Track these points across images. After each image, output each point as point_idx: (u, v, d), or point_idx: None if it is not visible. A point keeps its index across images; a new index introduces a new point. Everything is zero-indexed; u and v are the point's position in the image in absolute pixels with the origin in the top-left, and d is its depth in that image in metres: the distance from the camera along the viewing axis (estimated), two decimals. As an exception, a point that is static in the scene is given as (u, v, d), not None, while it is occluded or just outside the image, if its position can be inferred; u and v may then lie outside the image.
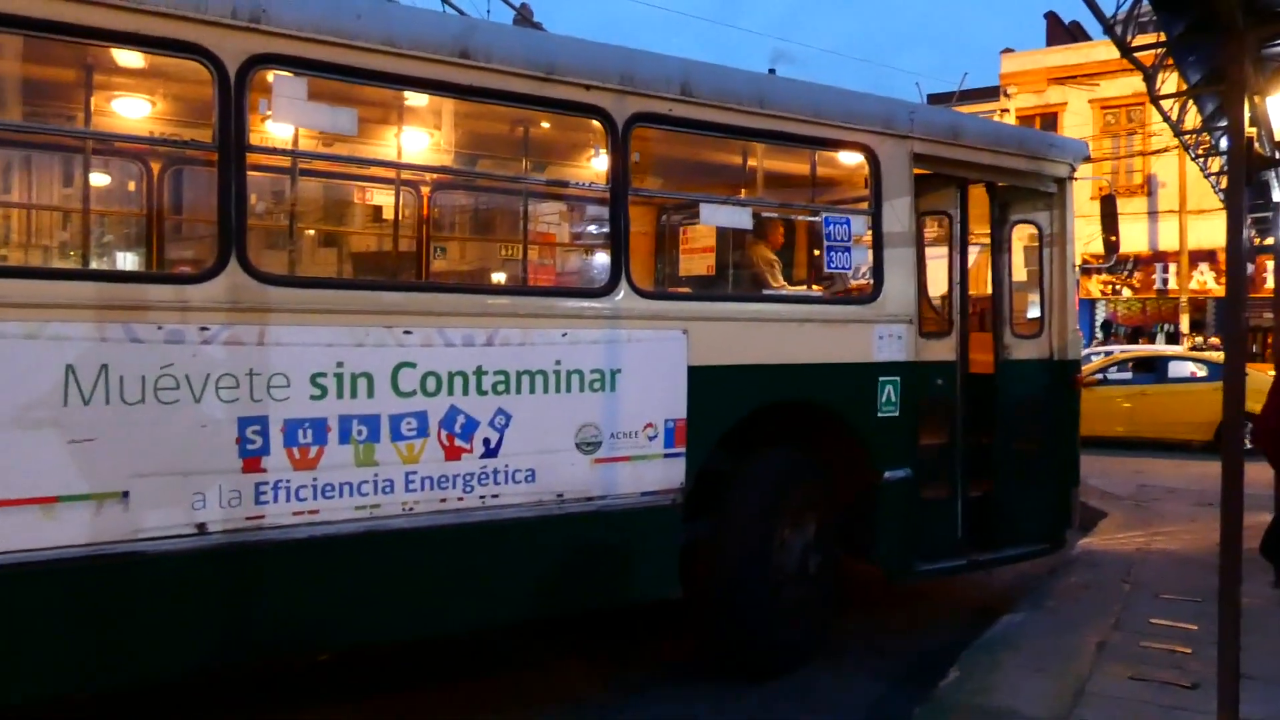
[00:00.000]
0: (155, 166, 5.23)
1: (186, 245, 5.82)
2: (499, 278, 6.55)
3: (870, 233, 5.19)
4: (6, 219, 6.00)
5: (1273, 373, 7.43)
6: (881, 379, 5.19)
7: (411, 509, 3.80)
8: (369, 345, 3.73)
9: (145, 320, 3.33)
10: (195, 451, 3.40)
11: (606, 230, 4.50)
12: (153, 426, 3.32)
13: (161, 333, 3.35)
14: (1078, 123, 24.80)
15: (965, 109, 17.29)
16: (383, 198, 6.08)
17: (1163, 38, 4.81)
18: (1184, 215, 24.07)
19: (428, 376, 3.85)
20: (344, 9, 3.74)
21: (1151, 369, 15.43)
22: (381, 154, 5.29)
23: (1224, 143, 7.94)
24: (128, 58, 3.93)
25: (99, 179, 5.31)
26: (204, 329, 3.42)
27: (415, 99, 4.51)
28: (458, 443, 3.91)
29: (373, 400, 3.72)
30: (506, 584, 4.09)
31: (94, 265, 5.14)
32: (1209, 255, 23.80)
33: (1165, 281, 24.71)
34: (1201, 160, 12.19)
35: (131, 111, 4.63)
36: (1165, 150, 21.54)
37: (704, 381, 4.53)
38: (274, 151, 4.23)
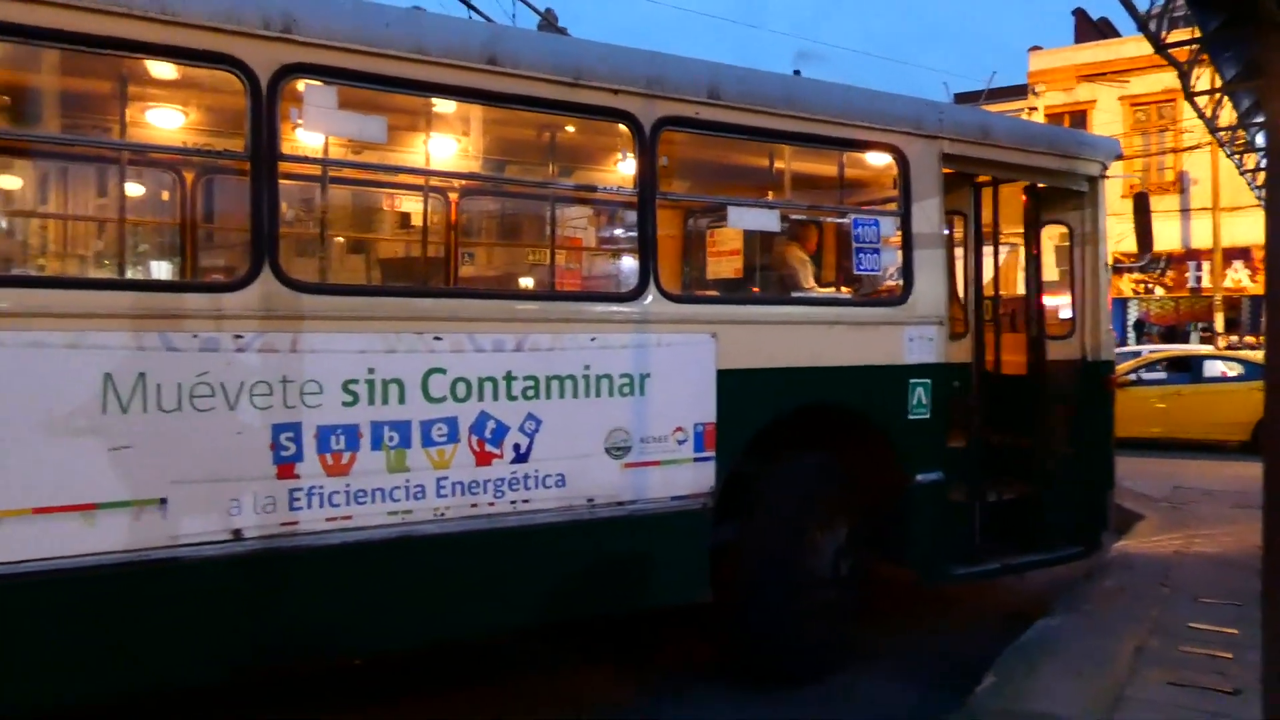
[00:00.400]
0: (189, 176, 5.29)
1: (220, 254, 5.89)
2: (527, 283, 6.57)
3: (899, 234, 5.15)
4: (45, 229, 6.09)
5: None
6: (912, 381, 5.15)
7: (443, 514, 3.82)
8: (400, 351, 3.75)
9: (181, 329, 3.37)
10: (230, 458, 3.44)
11: (634, 234, 4.49)
12: (189, 434, 3.36)
13: (197, 341, 3.38)
14: (1107, 120, 24.53)
15: (993, 108, 17.15)
16: (411, 204, 6.11)
17: (1197, 33, 4.74)
18: (1217, 212, 23.73)
19: (458, 382, 3.87)
20: (373, 18, 3.77)
21: (1186, 369, 15.22)
22: (410, 161, 5.32)
23: (1260, 139, 7.81)
24: (162, 69, 3.98)
25: (134, 189, 5.38)
26: (238, 337, 3.45)
27: (444, 106, 4.53)
28: (488, 448, 3.92)
29: (404, 406, 3.74)
30: (537, 588, 4.10)
31: (130, 275, 5.21)
32: (1243, 253, 23.45)
33: (1199, 280, 24.37)
34: (1237, 157, 12.01)
35: (165, 122, 4.69)
36: (1198, 147, 21.28)
37: (733, 385, 4.51)
38: (305, 160, 4.25)
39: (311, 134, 3.99)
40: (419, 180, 5.71)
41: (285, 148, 3.76)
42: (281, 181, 3.65)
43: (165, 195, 5.46)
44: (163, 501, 3.32)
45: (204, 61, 3.56)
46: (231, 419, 3.43)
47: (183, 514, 3.35)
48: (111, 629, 3.29)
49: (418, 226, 5.99)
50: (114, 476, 3.25)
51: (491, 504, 3.92)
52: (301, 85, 3.70)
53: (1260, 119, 6.24)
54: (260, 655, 3.60)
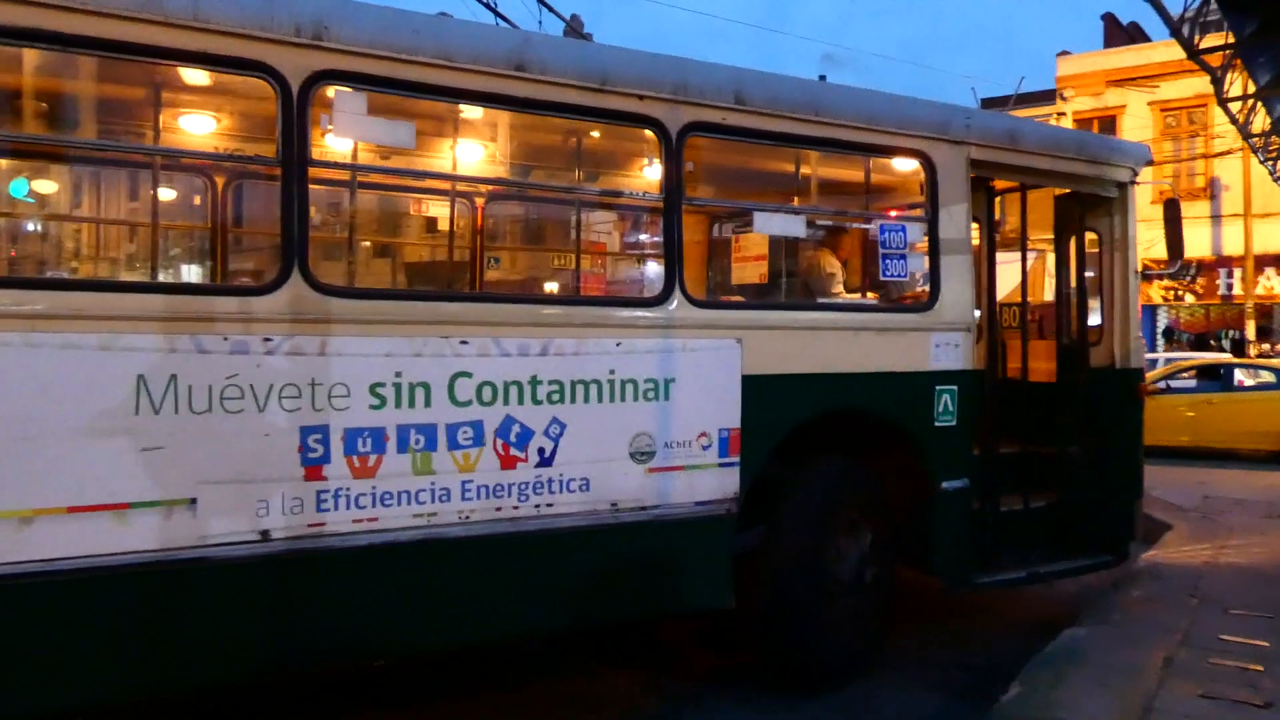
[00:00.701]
0: (220, 181, 5.36)
1: (249, 258, 5.96)
2: (553, 288, 6.59)
3: (926, 240, 5.13)
4: (80, 233, 6.19)
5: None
6: (939, 388, 5.12)
7: (468, 517, 3.84)
8: (426, 355, 3.78)
9: (212, 331, 3.41)
10: (259, 460, 3.47)
11: (660, 240, 4.49)
12: (219, 435, 3.40)
13: (227, 344, 3.43)
14: (1137, 125, 24.27)
15: (1021, 113, 17.01)
16: (438, 209, 6.16)
17: (1231, 38, 4.68)
18: (1249, 219, 23.39)
19: (483, 386, 3.89)
20: (402, 25, 3.80)
21: (1217, 376, 15.03)
22: (437, 166, 5.35)
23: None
24: (195, 76, 4.04)
25: (167, 194, 5.46)
26: (267, 339, 3.49)
27: (471, 112, 4.56)
28: (513, 452, 3.94)
29: (430, 410, 3.76)
30: (561, 592, 4.11)
31: (162, 278, 5.28)
32: (1275, 260, 23.13)
33: (1230, 287, 24.04)
34: (1270, 163, 11.85)
35: (198, 128, 4.76)
36: (1229, 153, 21.00)
37: (758, 391, 4.50)
38: (335, 165, 4.30)
39: (341, 140, 4.03)
40: (446, 185, 5.76)
41: (315, 153, 3.79)
42: (311, 186, 3.69)
43: (197, 200, 5.53)
44: (193, 502, 3.36)
45: (236, 68, 3.60)
46: (260, 421, 3.46)
47: (212, 514, 3.39)
48: (142, 627, 3.33)
49: (444, 231, 6.04)
50: (145, 477, 3.29)
51: (516, 507, 3.94)
52: (331, 91, 3.74)
53: (1294, 125, 6.17)
54: (286, 655, 3.63)
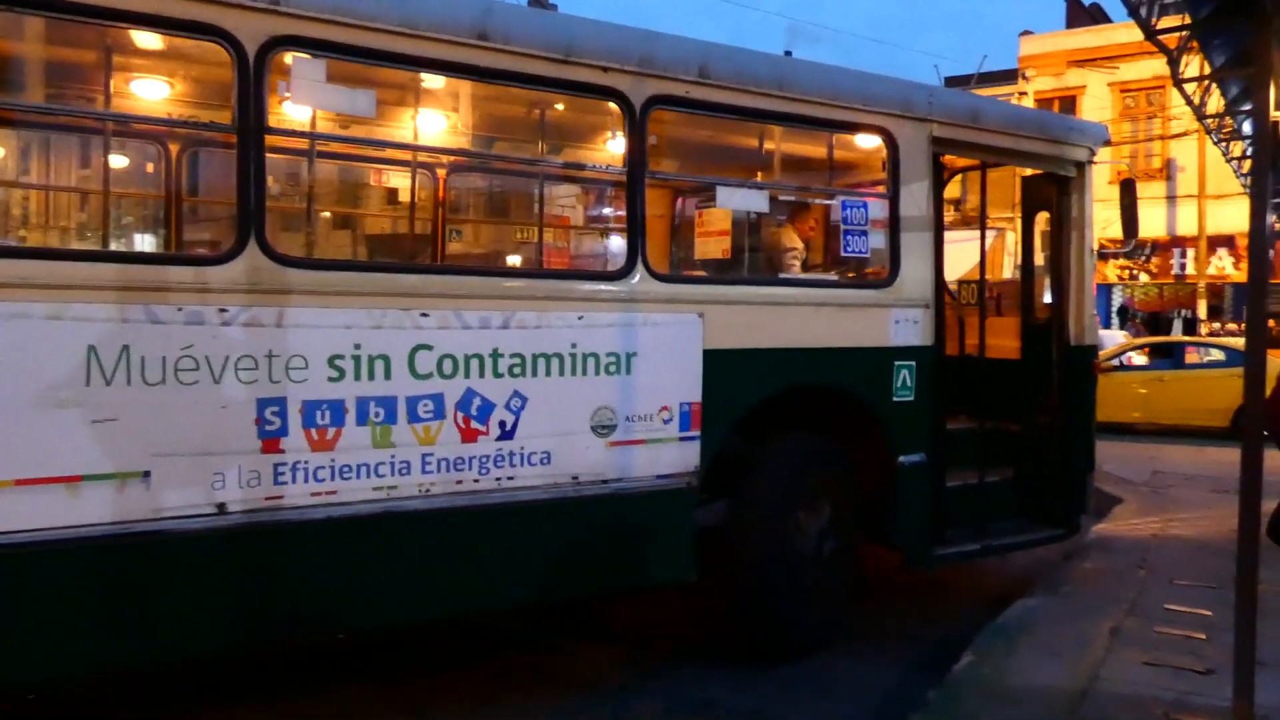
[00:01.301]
0: (174, 148, 5.24)
1: (205, 227, 5.85)
2: (515, 260, 6.55)
3: (888, 217, 5.15)
4: (28, 200, 6.03)
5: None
6: (897, 363, 5.17)
7: (428, 491, 3.82)
8: (386, 327, 3.74)
9: (166, 302, 3.35)
10: (215, 432, 3.42)
11: (623, 213, 4.48)
12: (173, 407, 3.34)
13: (181, 314, 3.36)
14: (1097, 106, 24.53)
15: (983, 92, 17.13)
16: (399, 180, 6.08)
17: (1188, 20, 4.74)
18: (1203, 200, 23.82)
19: (444, 359, 3.86)
20: (363, -9, 3.72)
21: (1169, 354, 15.34)
22: (399, 136, 5.28)
23: (1248, 127, 7.83)
24: (148, 39, 3.94)
25: (118, 161, 5.33)
26: (223, 310, 3.43)
27: (433, 81, 4.50)
28: (474, 425, 3.92)
29: (390, 382, 3.73)
30: (522, 566, 4.11)
31: (114, 247, 5.17)
32: (1227, 240, 23.57)
33: (1183, 267, 24.48)
34: (1224, 145, 12.04)
35: (151, 93, 4.64)
36: (1185, 134, 21.30)
37: (719, 365, 4.52)
38: (293, 134, 4.23)
39: (299, 107, 3.96)
40: (407, 156, 5.68)
41: (272, 121, 3.73)
42: (268, 155, 3.62)
43: (150, 167, 5.41)
44: (146, 474, 3.31)
45: (191, 32, 3.52)
46: (216, 393, 3.41)
47: (166, 487, 3.34)
48: (94, 601, 3.29)
49: (405, 202, 5.96)
50: (97, 449, 3.24)
51: (476, 481, 3.93)
52: (289, 58, 3.66)
53: (1248, 107, 6.26)
54: (244, 630, 3.60)
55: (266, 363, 3.50)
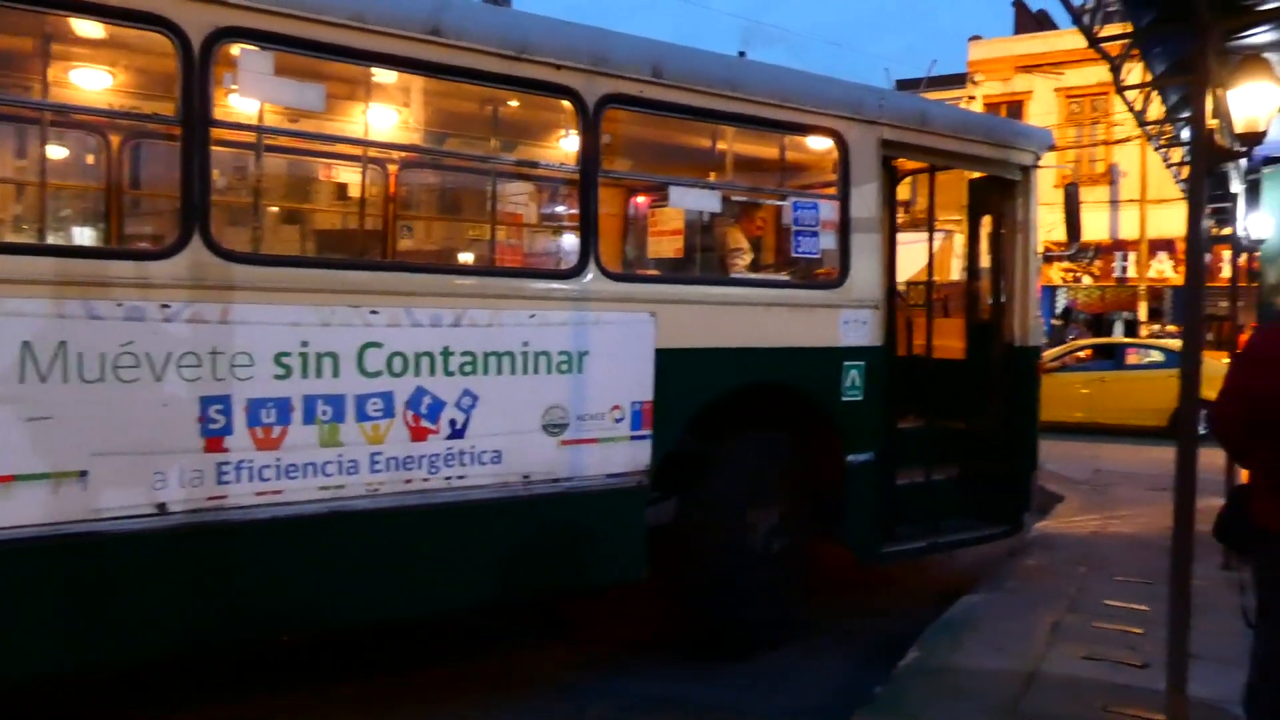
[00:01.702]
0: (116, 140, 5.12)
1: (148, 221, 5.72)
2: (466, 258, 6.50)
3: (838, 218, 5.21)
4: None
5: (1227, 360, 7.59)
6: (847, 363, 5.23)
7: (376, 490, 3.78)
8: (335, 325, 3.70)
9: (105, 297, 3.27)
10: (156, 431, 3.35)
11: (575, 211, 4.47)
12: (112, 405, 3.27)
13: (121, 310, 3.29)
14: (1043, 111, 24.99)
15: (933, 95, 17.36)
16: (349, 175, 5.99)
17: (1130, 28, 4.86)
18: (1144, 204, 24.39)
19: (394, 357, 3.82)
20: (311, -18, 3.67)
21: (1110, 355, 15.69)
22: (348, 131, 5.21)
23: (1186, 134, 8.04)
24: (89, 28, 3.84)
25: (58, 152, 5.19)
26: (165, 306, 3.36)
27: (384, 76, 4.44)
28: (423, 424, 3.89)
29: (338, 380, 3.69)
30: (473, 567, 4.08)
31: (52, 240, 5.03)
32: (1168, 244, 24.13)
33: (1124, 270, 25.05)
34: (1163, 151, 12.34)
35: (92, 83, 4.53)
36: (1128, 140, 21.77)
37: (671, 364, 4.53)
38: (238, 127, 4.15)
39: (246, 100, 3.89)
40: (357, 151, 5.60)
41: (218, 113, 3.67)
42: (214, 148, 3.57)
43: (91, 159, 5.28)
44: (83, 474, 3.23)
45: (135, 21, 3.44)
46: (157, 390, 3.34)
47: (104, 487, 3.26)
48: (27, 604, 3.20)
49: (355, 198, 5.89)
50: (32, 448, 3.15)
51: (426, 480, 3.90)
52: (236, 49, 3.60)
53: (1186, 114, 6.43)
54: (187, 634, 3.53)
55: (210, 360, 3.44)
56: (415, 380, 3.87)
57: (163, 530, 3.37)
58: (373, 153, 5.58)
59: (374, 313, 3.78)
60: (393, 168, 5.87)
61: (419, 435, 3.88)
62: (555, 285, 4.37)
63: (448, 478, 3.95)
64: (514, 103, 5.02)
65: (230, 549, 3.54)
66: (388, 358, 3.81)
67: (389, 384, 3.81)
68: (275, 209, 6.03)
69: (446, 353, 3.95)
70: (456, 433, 3.97)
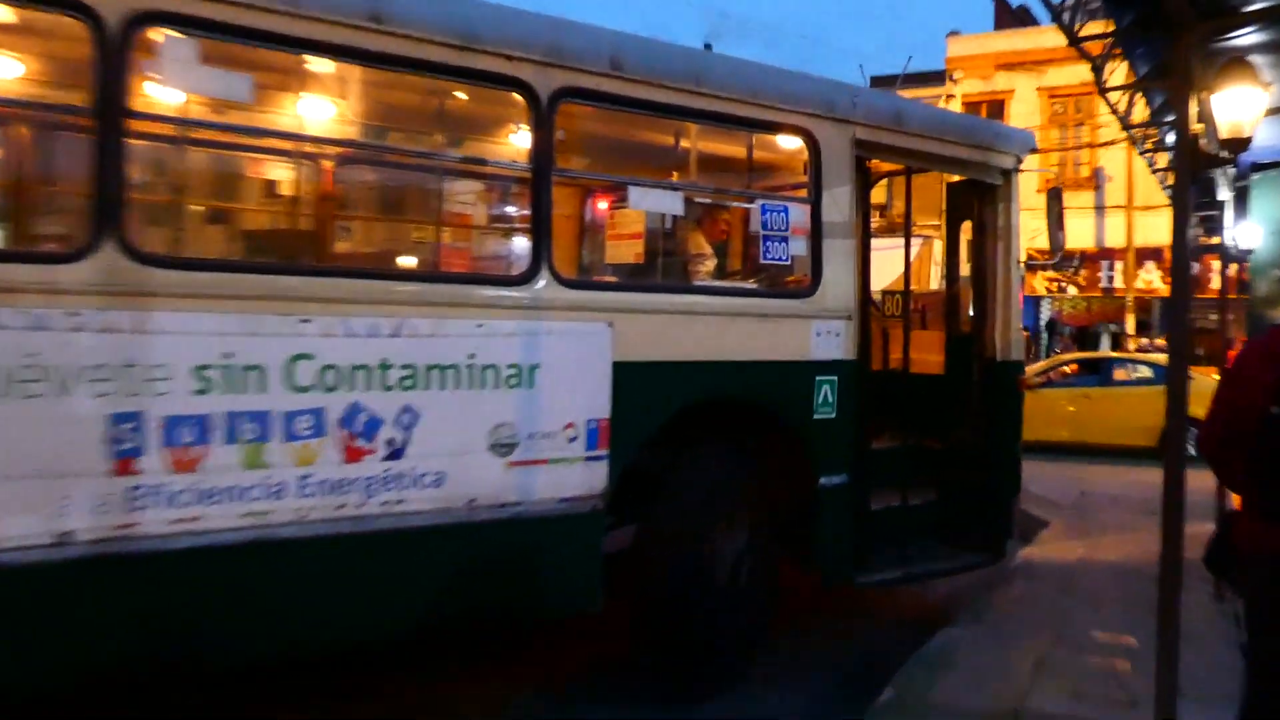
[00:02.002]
0: (24, 133, 5.01)
1: (56, 220, 5.60)
2: (409, 262, 6.44)
3: (809, 223, 5.24)
4: None
5: (1217, 376, 7.74)
6: (819, 378, 5.26)
7: (305, 516, 3.72)
8: (262, 334, 3.64)
9: (6, 304, 3.19)
10: (60, 452, 3.27)
11: (527, 213, 4.46)
12: (11, 423, 3.19)
13: (23, 318, 3.21)
14: (1025, 111, 25.40)
15: (910, 94, 17.57)
16: (281, 172, 5.93)
17: (1111, 27, 4.96)
18: (1131, 211, 24.81)
19: (327, 370, 3.78)
20: (240, -37, 3.63)
21: (1096, 370, 15.94)
22: (281, 124, 5.17)
23: (1171, 138, 8.23)
24: (-4, 11, 3.76)
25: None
26: (74, 314, 3.29)
27: (320, 65, 4.40)
28: (359, 443, 3.84)
29: (265, 396, 3.63)
30: (412, 598, 4.04)
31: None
32: (1156, 253, 24.56)
33: (1111, 280, 25.42)
34: (1149, 155, 12.60)
35: (-3, 70, 4.44)
36: (1113, 143, 22.12)
37: (630, 378, 4.52)
38: (159, 119, 4.09)
39: (167, 90, 3.84)
40: (290, 146, 5.55)
41: (136, 104, 3.61)
42: (130, 141, 3.51)
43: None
44: (-22, 499, 3.14)
45: (46, 4, 3.39)
46: (63, 407, 3.26)
47: (1, 514, 3.17)
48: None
49: (287, 197, 5.83)
50: (-80, 470, 3.06)
51: (361, 505, 3.84)
52: (157, 35, 3.54)
53: (1171, 118, 6.57)
54: (95, 668, 3.45)
55: (123, 373, 3.36)
56: (350, 396, 3.82)
57: (65, 561, 3.28)
58: (307, 148, 5.53)
59: (305, 321, 3.73)
60: (329, 165, 5.81)
61: (353, 456, 3.83)
62: (504, 292, 4.35)
63: (385, 502, 3.89)
64: (462, 95, 4.99)
65: (142, 581, 3.46)
66: (320, 371, 3.76)
67: (321, 400, 3.76)
68: (198, 208, 5.93)
69: (385, 365, 3.91)
70: (395, 453, 3.93)
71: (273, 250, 6.03)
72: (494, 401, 4.17)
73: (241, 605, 3.66)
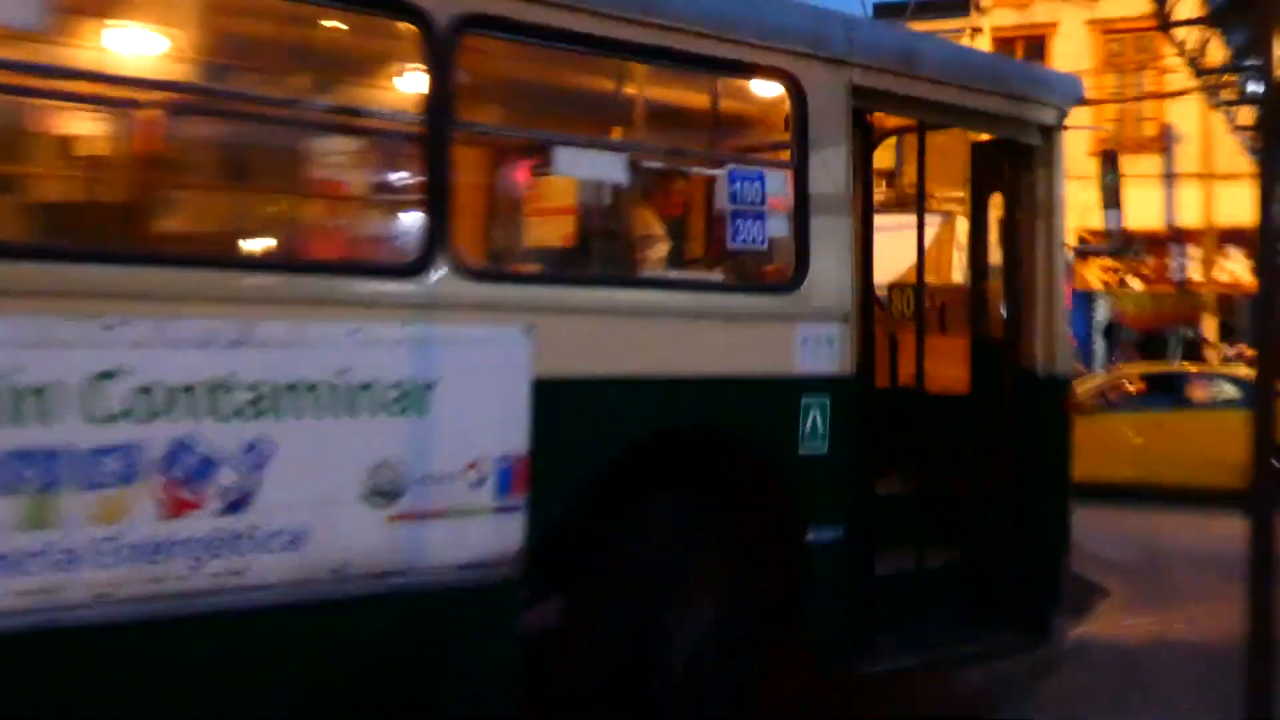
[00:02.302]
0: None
1: None
2: (257, 246, 6.36)
3: (791, 193, 5.25)
4: None
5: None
6: (805, 400, 5.26)
7: (108, 595, 3.62)
8: (51, 344, 3.57)
9: None
10: None
11: (420, 180, 4.47)
12: None
13: None
14: (1072, 51, 25.72)
15: (923, 27, 17.80)
16: (85, 126, 5.82)
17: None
18: (1210, 181, 25.04)
19: (142, 393, 3.70)
20: None
21: (1167, 389, 16.09)
22: (85, 63, 5.09)
23: (1254, 86, 8.32)
24: None
25: None
26: None
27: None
28: (185, 493, 3.77)
29: (53, 428, 3.54)
30: (256, 704, 3.97)
31: None
32: (1241, 235, 24.71)
33: (1184, 270, 25.62)
34: (1227, 109, 12.71)
35: None
36: (1184, 92, 22.22)
37: (555, 401, 4.50)
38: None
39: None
40: (99, 90, 5.44)
41: None
42: None
43: None
44: None
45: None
46: None
47: None
48: None
49: (90, 157, 5.73)
50: None
51: (186, 577, 3.76)
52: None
53: (1255, 61, 6.64)
54: None
55: None
56: (174, 427, 3.75)
57: None
58: (118, 92, 5.42)
59: (110, 328, 3.65)
60: (153, 115, 5.71)
61: (177, 509, 3.75)
62: (388, 287, 4.32)
63: (219, 574, 3.80)
64: (332, 23, 4.97)
65: None
66: (132, 394, 3.68)
67: (133, 433, 3.68)
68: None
69: (223, 386, 3.85)
70: (234, 505, 3.85)
71: (68, 230, 5.91)
72: (371, 433, 4.13)
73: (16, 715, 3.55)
